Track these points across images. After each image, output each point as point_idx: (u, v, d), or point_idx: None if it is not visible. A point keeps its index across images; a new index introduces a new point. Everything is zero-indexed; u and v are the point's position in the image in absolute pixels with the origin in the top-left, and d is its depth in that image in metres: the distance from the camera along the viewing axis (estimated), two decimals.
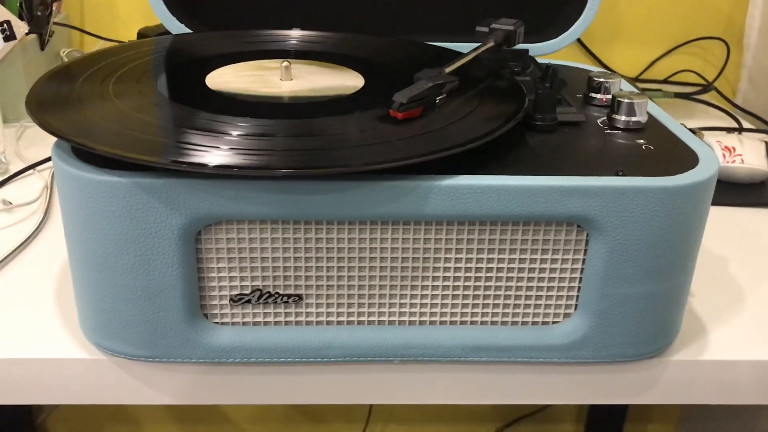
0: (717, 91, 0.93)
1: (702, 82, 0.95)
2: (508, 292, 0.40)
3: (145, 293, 0.38)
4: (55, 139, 0.38)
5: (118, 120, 0.39)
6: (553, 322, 0.41)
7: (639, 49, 0.96)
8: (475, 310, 0.41)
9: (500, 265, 0.39)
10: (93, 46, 0.94)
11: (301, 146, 0.37)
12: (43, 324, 0.45)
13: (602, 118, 0.46)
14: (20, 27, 0.74)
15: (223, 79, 0.47)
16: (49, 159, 0.67)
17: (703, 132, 0.75)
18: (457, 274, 0.40)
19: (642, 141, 0.43)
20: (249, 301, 0.40)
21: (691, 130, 0.45)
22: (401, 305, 0.40)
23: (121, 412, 1.11)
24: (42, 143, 0.72)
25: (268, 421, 1.13)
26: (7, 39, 0.73)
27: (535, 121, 0.44)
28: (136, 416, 1.12)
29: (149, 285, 0.38)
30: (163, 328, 0.39)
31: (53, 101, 0.41)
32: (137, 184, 0.36)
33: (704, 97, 0.89)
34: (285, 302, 0.40)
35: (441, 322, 0.41)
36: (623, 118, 0.44)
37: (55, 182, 0.54)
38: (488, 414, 1.15)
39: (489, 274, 0.40)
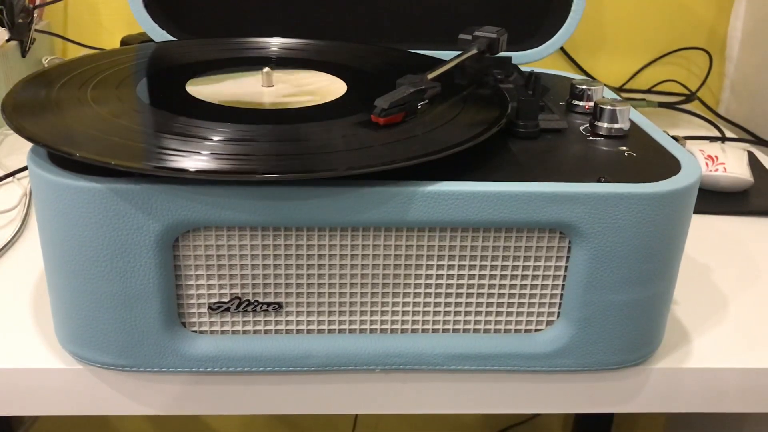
0: (700, 101, 0.93)
1: (685, 92, 0.95)
2: (490, 299, 0.40)
3: (122, 301, 0.37)
4: None
5: (96, 125, 0.39)
6: (536, 330, 0.41)
7: (623, 59, 0.96)
8: (458, 318, 0.40)
9: (482, 272, 0.39)
10: (76, 53, 0.93)
11: (282, 152, 0.37)
12: (19, 333, 0.44)
13: (585, 125, 0.46)
14: (1, 34, 0.73)
15: (204, 85, 0.47)
16: None
17: (686, 140, 0.75)
18: (439, 281, 0.39)
19: (624, 148, 0.43)
20: (228, 310, 0.39)
21: (673, 137, 0.45)
22: (383, 313, 0.40)
23: (105, 424, 1.10)
24: (22, 151, 0.72)
25: None
26: None
27: (518, 128, 0.43)
28: (120, 428, 1.10)
29: (126, 293, 0.37)
30: (140, 337, 0.38)
31: (30, 106, 0.41)
32: (114, 190, 0.35)
33: (687, 106, 0.90)
34: (265, 310, 0.39)
35: (423, 330, 0.41)
36: (605, 125, 0.44)
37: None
38: (476, 423, 1.14)
39: (471, 281, 0.39)
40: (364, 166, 0.35)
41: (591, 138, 0.44)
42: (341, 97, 0.46)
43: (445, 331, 0.41)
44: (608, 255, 0.38)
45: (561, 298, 0.40)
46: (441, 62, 0.48)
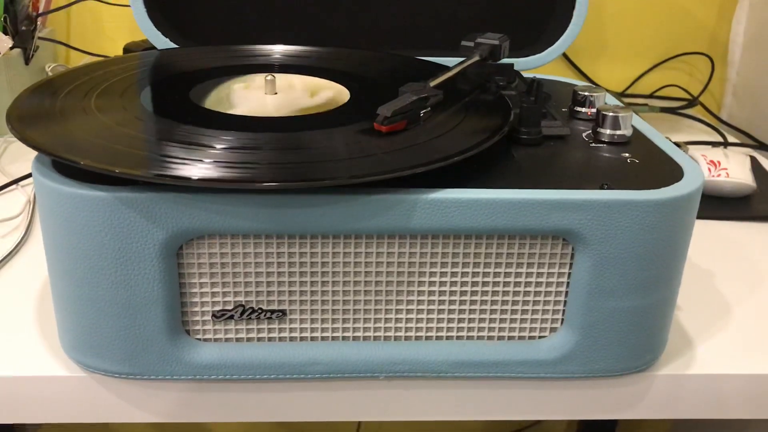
0: (702, 106, 0.93)
1: (687, 97, 0.95)
2: (493, 306, 0.40)
3: (126, 309, 0.37)
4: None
5: (101, 134, 0.39)
6: (540, 337, 0.41)
7: (625, 64, 0.96)
8: (461, 325, 0.40)
9: (486, 279, 0.39)
10: (79, 61, 0.93)
11: (286, 160, 0.37)
12: (22, 341, 0.44)
13: (587, 132, 0.46)
14: (4, 41, 0.74)
15: (208, 93, 0.47)
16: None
17: (689, 146, 0.75)
18: (442, 288, 0.39)
19: (627, 154, 0.43)
20: (232, 317, 0.39)
21: (676, 143, 0.45)
22: (386, 320, 0.40)
23: (108, 431, 1.10)
24: (26, 158, 0.72)
25: None
26: None
27: (521, 135, 0.43)
28: None
29: (130, 300, 0.37)
30: (144, 345, 0.38)
31: (35, 115, 0.41)
32: (118, 198, 0.35)
33: (689, 111, 0.90)
34: (268, 318, 0.39)
35: (427, 337, 0.41)
36: (608, 131, 0.44)
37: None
38: (478, 430, 1.14)
39: (474, 288, 0.39)
40: (367, 174, 0.35)
41: (594, 144, 0.44)
42: (344, 104, 0.46)
43: (448, 338, 0.41)
44: (611, 262, 0.38)
45: (564, 305, 0.40)
46: (443, 69, 0.48)
